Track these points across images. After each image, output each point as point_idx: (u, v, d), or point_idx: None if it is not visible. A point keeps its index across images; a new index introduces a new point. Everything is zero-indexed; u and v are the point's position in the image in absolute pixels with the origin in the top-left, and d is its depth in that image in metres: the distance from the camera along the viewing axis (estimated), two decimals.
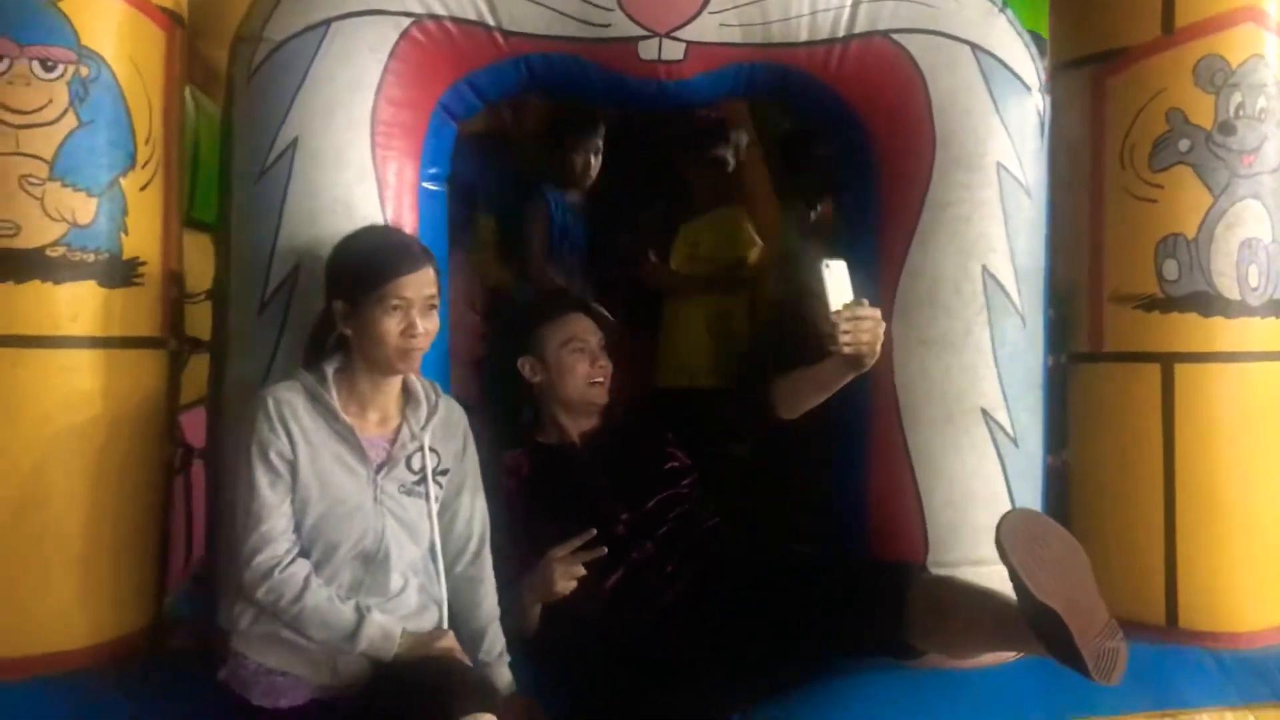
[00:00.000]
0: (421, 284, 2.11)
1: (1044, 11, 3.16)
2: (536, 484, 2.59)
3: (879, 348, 2.32)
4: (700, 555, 2.53)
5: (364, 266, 2.12)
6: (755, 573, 2.50)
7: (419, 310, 2.10)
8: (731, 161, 3.68)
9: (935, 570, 2.53)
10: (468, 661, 2.12)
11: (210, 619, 2.37)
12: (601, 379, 2.66)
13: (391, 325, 2.08)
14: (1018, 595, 1.91)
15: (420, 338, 2.10)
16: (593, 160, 3.64)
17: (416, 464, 2.16)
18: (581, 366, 2.64)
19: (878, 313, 2.31)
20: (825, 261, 2.29)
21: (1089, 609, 1.90)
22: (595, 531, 2.43)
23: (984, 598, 2.19)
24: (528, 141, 3.92)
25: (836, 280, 2.29)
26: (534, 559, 2.44)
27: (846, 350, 2.28)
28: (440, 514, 2.20)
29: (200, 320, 2.65)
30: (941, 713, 2.42)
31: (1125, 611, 2.71)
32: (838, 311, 2.26)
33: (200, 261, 2.73)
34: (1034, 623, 1.91)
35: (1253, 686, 2.57)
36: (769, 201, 3.94)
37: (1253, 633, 2.74)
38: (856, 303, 2.29)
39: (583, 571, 2.39)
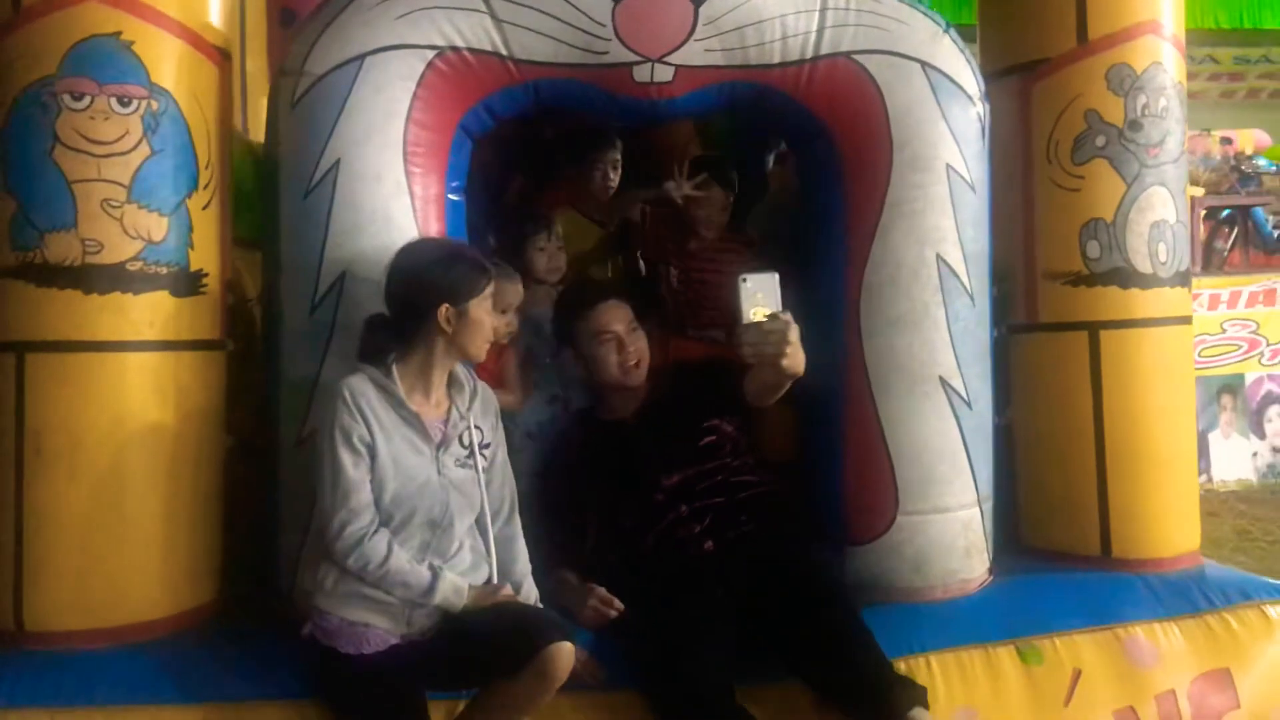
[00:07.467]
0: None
1: None
2: (591, 455, 2.85)
3: (788, 357, 2.42)
4: (727, 516, 2.77)
5: (471, 274, 2.39)
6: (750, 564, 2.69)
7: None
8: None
9: (905, 518, 2.88)
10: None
11: (277, 588, 2.65)
12: (634, 362, 2.85)
13: (491, 320, 2.45)
14: None
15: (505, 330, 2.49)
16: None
17: (466, 440, 2.45)
18: (612, 355, 2.84)
19: (784, 325, 2.40)
20: (743, 276, 2.40)
21: None
22: (625, 609, 2.62)
23: None
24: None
25: (750, 294, 2.38)
26: (586, 525, 2.79)
27: (750, 360, 2.46)
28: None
29: None
30: (910, 635, 2.72)
31: (1066, 545, 3.16)
32: (744, 325, 2.40)
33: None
34: None
35: (1175, 602, 2.95)
36: None
37: (1174, 557, 3.14)
38: (771, 316, 2.39)
39: (608, 618, 2.61)
